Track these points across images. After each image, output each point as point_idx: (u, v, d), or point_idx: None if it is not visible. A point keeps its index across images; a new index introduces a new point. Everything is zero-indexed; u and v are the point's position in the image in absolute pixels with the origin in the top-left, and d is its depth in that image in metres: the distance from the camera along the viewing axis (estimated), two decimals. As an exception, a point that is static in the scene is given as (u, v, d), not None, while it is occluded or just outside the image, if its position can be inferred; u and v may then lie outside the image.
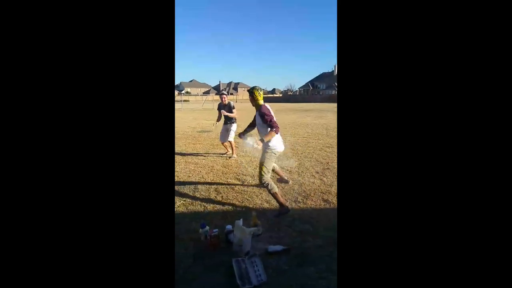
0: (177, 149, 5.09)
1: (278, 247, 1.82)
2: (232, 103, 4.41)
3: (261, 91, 2.37)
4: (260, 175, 2.33)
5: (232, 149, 4.45)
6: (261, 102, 2.36)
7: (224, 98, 4.34)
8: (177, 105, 17.92)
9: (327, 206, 2.57)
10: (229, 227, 1.97)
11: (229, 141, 4.40)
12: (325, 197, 2.75)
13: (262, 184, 2.34)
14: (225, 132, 4.43)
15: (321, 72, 49.31)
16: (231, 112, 4.33)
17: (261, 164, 2.34)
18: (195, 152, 4.85)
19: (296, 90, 55.46)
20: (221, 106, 4.41)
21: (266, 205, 2.58)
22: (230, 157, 4.39)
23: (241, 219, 1.90)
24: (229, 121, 4.41)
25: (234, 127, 4.41)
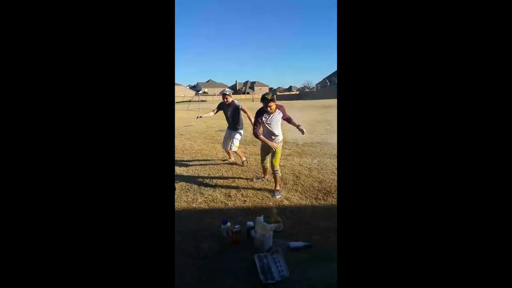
0: (196, 147, 5.22)
1: (300, 244, 1.81)
2: (238, 103, 3.60)
3: (268, 95, 2.58)
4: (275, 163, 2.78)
5: (240, 155, 3.85)
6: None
7: (227, 98, 3.55)
8: (195, 105, 18.31)
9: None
10: (250, 223, 1.99)
11: (233, 151, 3.76)
12: (347, 194, 2.69)
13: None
14: (228, 139, 3.76)
15: (339, 67, 47.76)
16: (238, 116, 3.62)
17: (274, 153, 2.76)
18: (214, 150, 4.93)
19: (313, 87, 54.47)
20: (224, 107, 3.65)
21: (286, 202, 2.58)
22: (242, 163, 3.82)
23: (262, 216, 1.91)
24: (233, 126, 3.68)
25: (238, 136, 3.71)
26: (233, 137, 3.68)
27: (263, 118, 2.62)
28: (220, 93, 3.73)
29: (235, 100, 3.65)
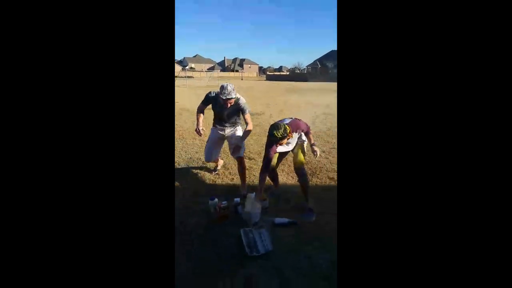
0: (183, 126, 5.12)
1: (285, 220, 1.89)
2: (244, 105, 2.24)
3: (278, 132, 1.85)
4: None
5: (219, 163, 2.90)
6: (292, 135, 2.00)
7: (229, 103, 2.16)
8: (181, 81, 17.66)
9: (333, 183, 2.62)
10: (237, 199, 2.04)
11: (238, 157, 2.39)
12: (331, 175, 2.80)
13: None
14: (216, 147, 2.54)
15: (331, 50, 47.15)
16: (237, 118, 2.38)
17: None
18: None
19: (304, 68, 53.86)
20: (215, 103, 2.28)
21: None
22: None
23: (254, 193, 1.96)
24: (229, 126, 2.41)
25: (240, 131, 2.44)
26: (235, 143, 2.37)
27: (277, 149, 2.04)
28: (216, 92, 2.27)
29: (241, 99, 2.25)
